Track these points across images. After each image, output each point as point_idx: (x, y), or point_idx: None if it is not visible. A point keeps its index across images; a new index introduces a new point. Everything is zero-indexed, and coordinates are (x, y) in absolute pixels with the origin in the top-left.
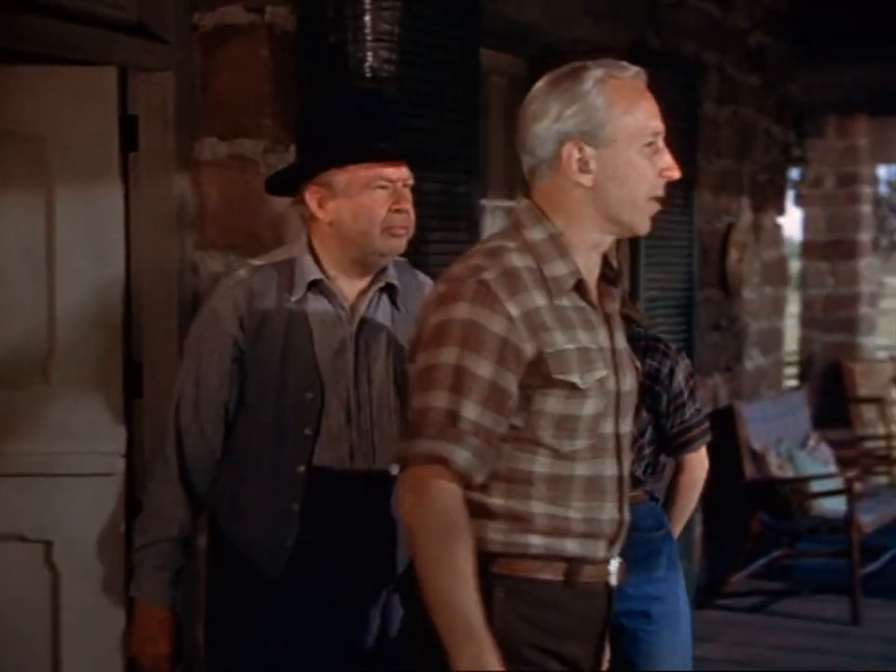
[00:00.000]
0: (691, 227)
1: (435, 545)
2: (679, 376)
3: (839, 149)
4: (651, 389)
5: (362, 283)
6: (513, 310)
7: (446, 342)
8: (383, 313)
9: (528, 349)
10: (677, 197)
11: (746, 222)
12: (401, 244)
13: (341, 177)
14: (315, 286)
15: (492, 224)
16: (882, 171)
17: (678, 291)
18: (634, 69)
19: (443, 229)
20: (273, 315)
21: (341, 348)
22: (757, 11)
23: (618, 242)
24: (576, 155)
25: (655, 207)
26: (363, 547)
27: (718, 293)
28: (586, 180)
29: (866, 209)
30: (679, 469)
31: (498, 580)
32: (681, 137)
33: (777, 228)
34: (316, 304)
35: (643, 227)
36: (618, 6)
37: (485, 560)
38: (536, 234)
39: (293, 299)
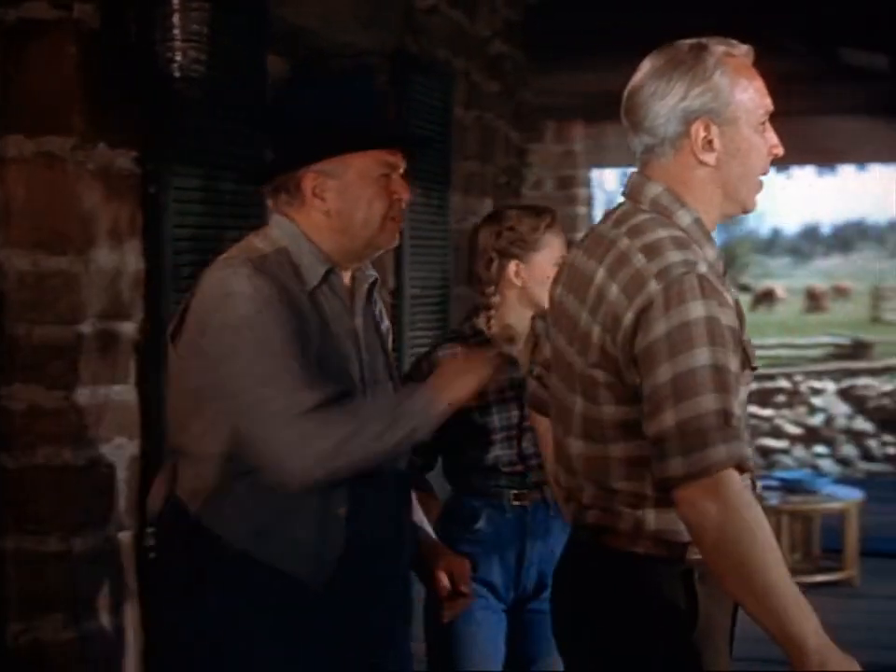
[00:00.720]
0: (446, 227)
1: (762, 541)
2: None
3: (558, 153)
4: None
5: (347, 276)
6: (730, 299)
7: (695, 343)
8: (368, 308)
9: (742, 337)
10: (433, 198)
11: None
12: (397, 235)
13: (345, 164)
14: (325, 277)
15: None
16: (596, 174)
17: (435, 289)
18: (745, 47)
19: (240, 227)
20: (295, 306)
21: (351, 344)
22: (496, 20)
23: None
24: (702, 133)
25: (762, 185)
26: (394, 551)
27: (467, 290)
28: (711, 159)
29: (582, 210)
30: None
31: (696, 566)
32: (437, 139)
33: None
34: (325, 297)
35: (754, 204)
36: (381, 12)
37: (680, 549)
38: (684, 219)
39: (307, 289)
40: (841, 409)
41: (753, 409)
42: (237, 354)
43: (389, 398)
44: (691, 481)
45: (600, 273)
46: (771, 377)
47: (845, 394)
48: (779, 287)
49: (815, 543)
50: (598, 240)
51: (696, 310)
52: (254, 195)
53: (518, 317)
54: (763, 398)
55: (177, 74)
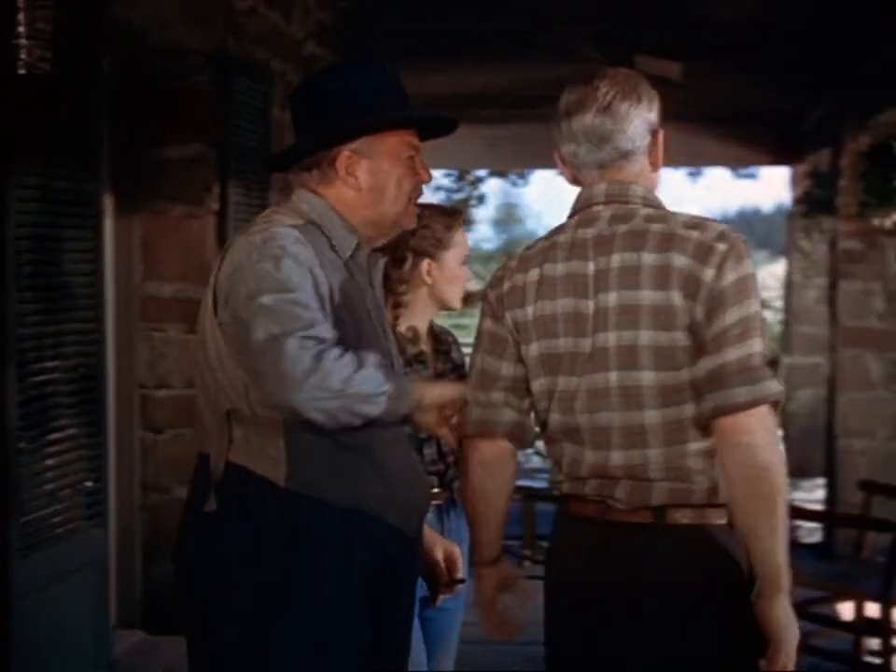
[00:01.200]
0: None
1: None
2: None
3: None
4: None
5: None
6: None
7: (752, 294)
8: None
9: None
10: (254, 198)
11: None
12: (416, 216)
13: (378, 143)
14: (356, 250)
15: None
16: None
17: None
18: None
19: (70, 226)
20: (332, 274)
21: (376, 317)
22: (310, 22)
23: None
24: (660, 143)
25: None
26: (423, 509)
27: None
28: (658, 165)
29: None
30: None
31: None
32: (257, 140)
33: None
34: (354, 269)
35: None
36: (204, 12)
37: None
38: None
39: (342, 259)
40: None
41: None
42: (273, 291)
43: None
44: (752, 408)
45: (649, 257)
46: None
47: None
48: None
49: None
50: (596, 241)
51: (750, 265)
52: (93, 194)
53: (424, 316)
54: None
55: (23, 71)
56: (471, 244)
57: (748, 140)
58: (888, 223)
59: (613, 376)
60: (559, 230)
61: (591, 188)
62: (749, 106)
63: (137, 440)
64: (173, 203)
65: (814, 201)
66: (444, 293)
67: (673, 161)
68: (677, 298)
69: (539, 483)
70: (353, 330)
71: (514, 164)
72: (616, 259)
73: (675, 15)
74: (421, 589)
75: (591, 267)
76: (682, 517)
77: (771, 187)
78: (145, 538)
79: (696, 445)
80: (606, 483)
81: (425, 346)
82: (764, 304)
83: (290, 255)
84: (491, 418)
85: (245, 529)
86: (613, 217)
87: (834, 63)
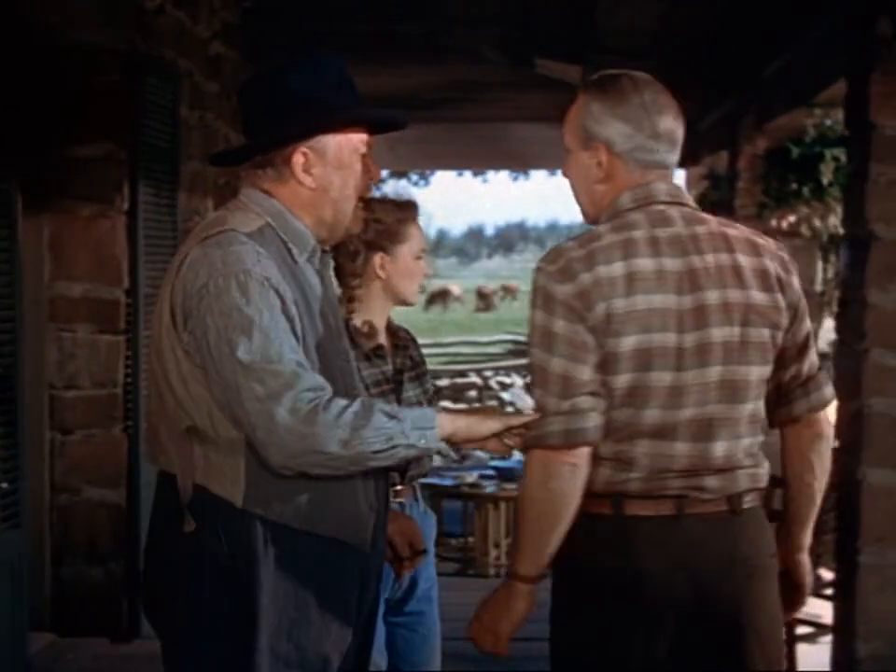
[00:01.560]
0: (175, 226)
1: None
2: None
3: None
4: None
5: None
6: None
7: None
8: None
9: None
10: (164, 197)
11: None
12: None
13: (334, 142)
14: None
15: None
16: None
17: None
18: None
19: None
20: (292, 283)
21: (331, 319)
22: (215, 22)
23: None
24: None
25: None
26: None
27: None
28: None
29: None
30: None
31: None
32: (167, 139)
33: None
34: (308, 272)
35: None
36: (114, 10)
37: None
38: None
39: (299, 263)
40: (528, 401)
41: (447, 403)
42: (245, 333)
43: (390, 409)
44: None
45: (745, 259)
46: (463, 374)
47: (530, 387)
48: (455, 287)
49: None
50: (678, 240)
51: None
52: (6, 193)
53: (380, 311)
54: (456, 393)
55: None
56: None
57: None
58: (784, 224)
59: (720, 370)
60: (627, 225)
61: (648, 186)
62: None
63: (46, 440)
64: (82, 203)
65: (710, 202)
66: (399, 287)
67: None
68: (781, 300)
69: (446, 482)
70: (314, 338)
71: (415, 165)
72: (710, 259)
73: (577, 20)
74: (390, 592)
75: (684, 264)
76: (751, 501)
77: None
78: (54, 539)
79: (761, 434)
80: (695, 476)
81: (383, 341)
82: None
83: (256, 279)
84: (578, 426)
85: (218, 548)
86: (684, 218)
87: (731, 67)
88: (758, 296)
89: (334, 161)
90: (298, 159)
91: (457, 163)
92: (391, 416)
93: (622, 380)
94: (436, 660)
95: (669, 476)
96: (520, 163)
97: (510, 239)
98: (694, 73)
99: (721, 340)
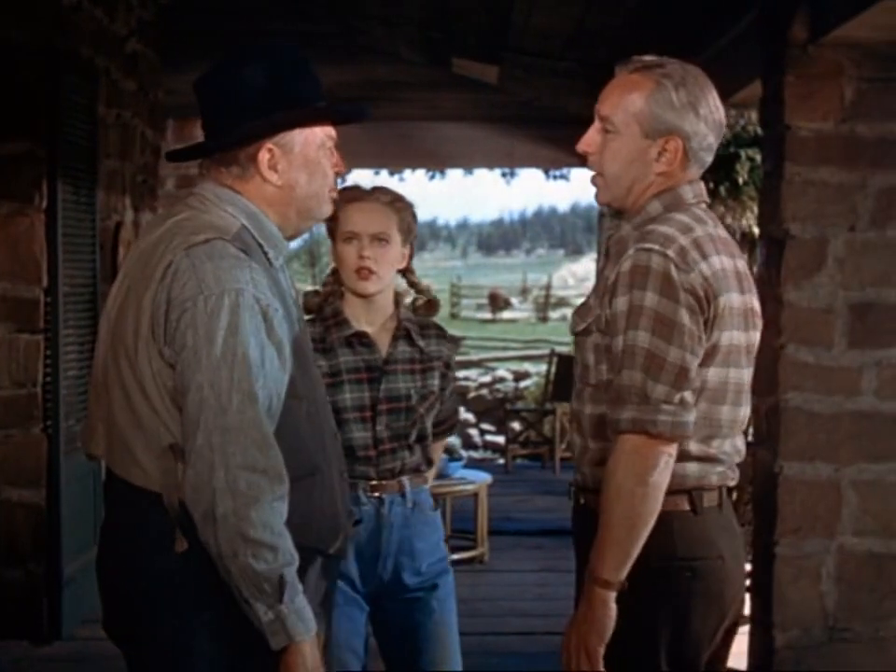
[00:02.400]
0: (93, 224)
1: None
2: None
3: None
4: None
5: None
6: None
7: None
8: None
9: None
10: (82, 195)
11: (129, 220)
12: (332, 208)
13: (300, 137)
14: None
15: None
16: None
17: (85, 286)
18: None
19: None
20: (273, 290)
21: (297, 319)
22: (132, 19)
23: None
24: None
25: None
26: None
27: (110, 288)
28: None
29: None
30: (433, 450)
31: None
32: (85, 137)
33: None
34: (281, 274)
35: None
36: (32, 7)
37: None
38: None
39: (276, 266)
40: None
41: None
42: (241, 361)
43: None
44: None
45: (742, 262)
46: None
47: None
48: None
49: (448, 524)
50: (719, 240)
51: None
52: None
53: (348, 297)
54: None
55: None
56: None
57: (560, 142)
58: None
59: (750, 372)
60: (700, 220)
61: (699, 184)
62: (563, 109)
63: None
64: (0, 201)
65: None
66: (342, 277)
67: (488, 161)
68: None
69: None
70: (295, 345)
71: None
72: (739, 262)
73: (493, 20)
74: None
75: (732, 265)
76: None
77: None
78: None
79: None
80: (732, 468)
81: (368, 329)
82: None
83: (245, 305)
84: (685, 419)
85: (211, 564)
86: (711, 219)
87: None
88: (755, 300)
89: (300, 158)
90: (263, 156)
91: (374, 162)
92: (295, 591)
93: (709, 374)
94: (447, 660)
95: (728, 469)
96: (436, 162)
97: (421, 238)
98: (610, 73)
99: (749, 343)
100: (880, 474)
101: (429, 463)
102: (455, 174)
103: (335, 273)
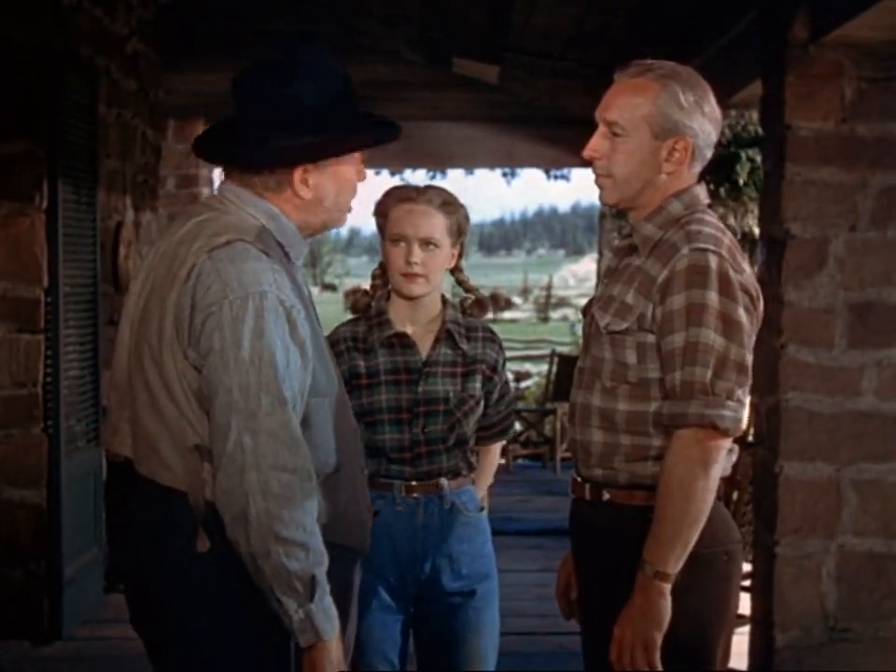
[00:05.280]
0: (94, 224)
1: None
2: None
3: (180, 152)
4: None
5: None
6: None
7: None
8: None
9: None
10: (83, 195)
11: (129, 220)
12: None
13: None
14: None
15: None
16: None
17: (85, 287)
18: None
19: None
20: (295, 291)
21: (314, 317)
22: (132, 19)
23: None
24: None
25: None
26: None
27: (110, 288)
28: None
29: None
30: (485, 453)
31: None
32: (85, 137)
33: (151, 225)
34: (300, 274)
35: None
36: (32, 6)
37: None
38: None
39: (296, 267)
40: None
41: None
42: (268, 367)
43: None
44: None
45: None
46: None
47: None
48: (366, 286)
49: None
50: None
51: None
52: None
53: (394, 298)
54: None
55: None
56: None
57: (561, 142)
58: None
59: None
60: (719, 222)
61: (703, 184)
62: (563, 109)
63: None
64: (0, 201)
65: None
66: (389, 277)
67: (489, 161)
68: None
69: None
70: (316, 347)
71: None
72: None
73: (494, 20)
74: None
75: None
76: None
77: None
78: None
79: None
80: None
81: (408, 330)
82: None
83: (270, 308)
84: (743, 416)
85: (236, 564)
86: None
87: None
88: None
89: (332, 174)
90: (299, 174)
91: (375, 162)
92: (324, 590)
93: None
94: (477, 660)
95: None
96: (437, 162)
97: None
98: (609, 74)
99: None
100: (880, 474)
101: (470, 467)
102: (455, 174)
103: (383, 269)
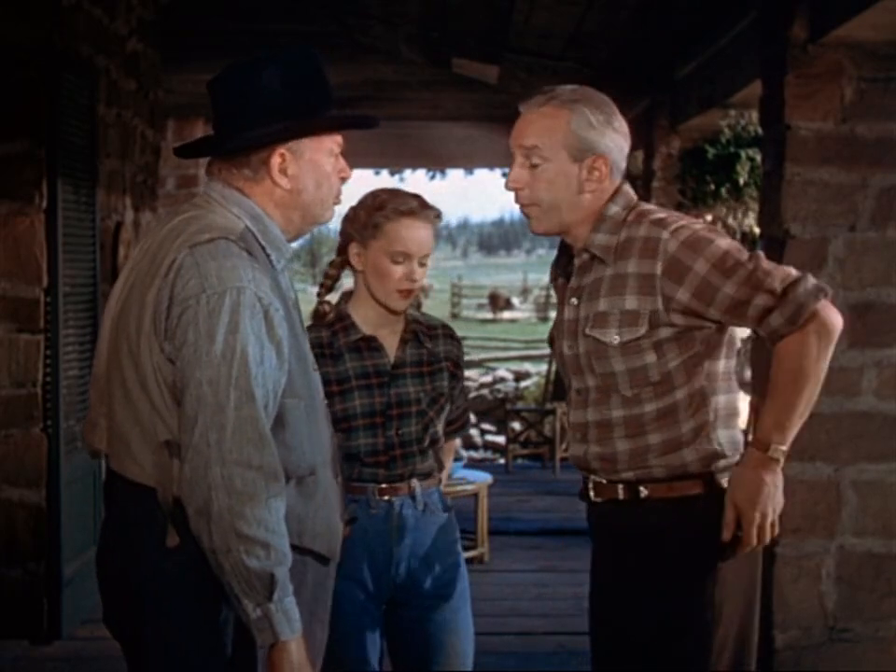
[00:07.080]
0: (94, 224)
1: None
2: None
3: None
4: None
5: None
6: None
7: None
8: None
9: None
10: (82, 195)
11: (129, 220)
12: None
13: (311, 144)
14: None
15: None
16: None
17: (85, 286)
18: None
19: None
20: (275, 292)
21: (298, 320)
22: (132, 19)
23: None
24: None
25: None
26: None
27: (110, 288)
28: None
29: None
30: (447, 450)
31: None
32: (84, 137)
33: (150, 225)
34: (283, 277)
35: None
36: (30, 6)
37: None
38: None
39: (278, 269)
40: None
41: None
42: (241, 364)
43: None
44: None
45: None
46: None
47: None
48: None
49: None
50: None
51: None
52: None
53: (364, 303)
54: None
55: None
56: None
57: None
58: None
59: None
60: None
61: (630, 192)
62: None
63: None
64: (0, 201)
65: None
66: (372, 286)
67: (489, 161)
68: None
69: None
70: (296, 350)
71: None
72: None
73: (494, 21)
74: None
75: None
76: None
77: None
78: None
79: None
80: None
81: (374, 332)
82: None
83: (247, 304)
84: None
85: (203, 562)
86: None
87: (646, 68)
88: None
89: (310, 163)
90: (275, 160)
91: (374, 162)
92: (285, 591)
93: (722, 365)
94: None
95: None
96: (437, 162)
97: None
98: (609, 73)
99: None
100: (880, 474)
101: (440, 467)
102: (455, 173)
103: (336, 267)
